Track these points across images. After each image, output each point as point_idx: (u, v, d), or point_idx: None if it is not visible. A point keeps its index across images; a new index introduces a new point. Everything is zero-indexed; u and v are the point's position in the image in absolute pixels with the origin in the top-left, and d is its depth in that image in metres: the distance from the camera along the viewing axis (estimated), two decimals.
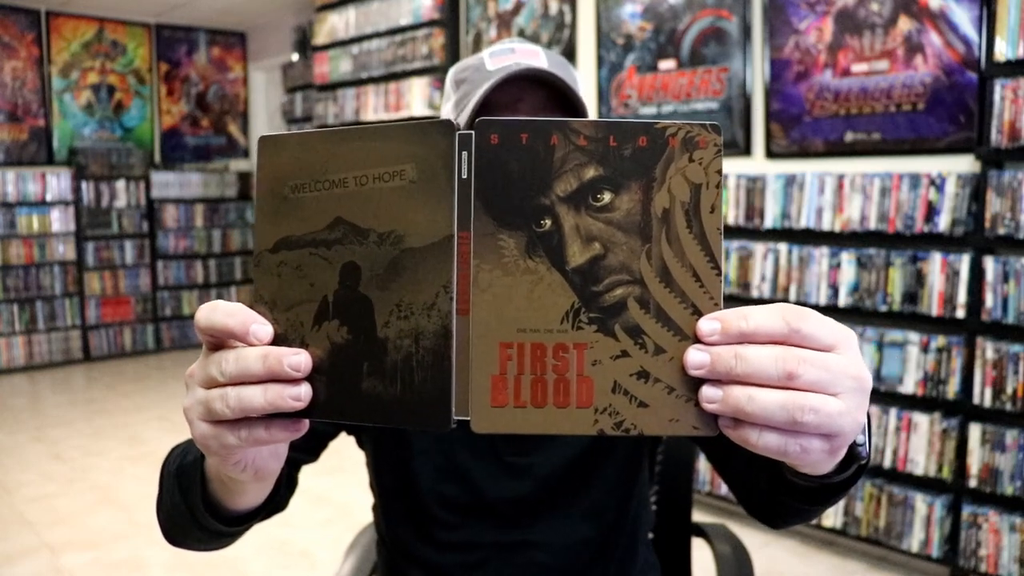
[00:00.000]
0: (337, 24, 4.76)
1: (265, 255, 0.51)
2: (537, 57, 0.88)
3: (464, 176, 0.47)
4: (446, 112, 0.93)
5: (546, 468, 0.93)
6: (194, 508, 0.67)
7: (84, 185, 5.83)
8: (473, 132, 0.46)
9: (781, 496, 0.66)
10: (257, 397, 0.47)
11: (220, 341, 0.49)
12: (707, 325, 0.44)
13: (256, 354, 0.47)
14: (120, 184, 5.99)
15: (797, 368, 0.43)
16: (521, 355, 0.46)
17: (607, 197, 0.46)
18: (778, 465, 0.62)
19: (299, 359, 0.47)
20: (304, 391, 0.47)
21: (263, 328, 0.48)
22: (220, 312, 0.49)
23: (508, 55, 0.88)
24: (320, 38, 4.89)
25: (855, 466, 0.56)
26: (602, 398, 0.46)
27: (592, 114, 3.63)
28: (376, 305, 0.48)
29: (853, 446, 0.54)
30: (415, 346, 0.47)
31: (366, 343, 0.48)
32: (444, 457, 0.93)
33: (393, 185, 0.48)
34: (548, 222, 0.46)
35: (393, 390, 0.48)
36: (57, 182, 5.73)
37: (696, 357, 0.44)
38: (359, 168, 0.49)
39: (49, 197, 5.70)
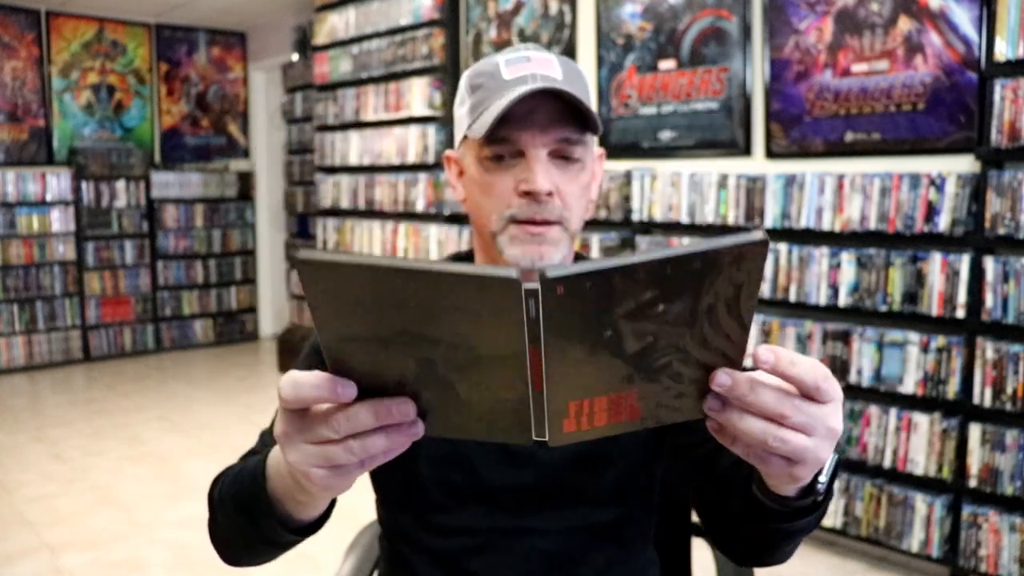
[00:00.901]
0: (337, 24, 4.76)
1: (333, 344, 0.54)
2: (551, 66, 0.89)
3: (532, 315, 0.51)
4: (460, 116, 0.93)
5: (549, 457, 0.93)
6: (269, 531, 0.74)
7: (84, 185, 5.83)
8: (539, 287, 0.50)
9: (752, 514, 0.73)
10: (381, 443, 0.55)
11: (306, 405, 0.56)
12: (765, 355, 0.54)
13: (368, 412, 0.54)
14: (120, 184, 5.99)
15: (789, 411, 0.55)
16: (587, 405, 0.56)
17: (661, 307, 0.52)
18: (750, 485, 0.72)
19: (407, 408, 0.55)
20: (420, 429, 0.56)
21: (348, 389, 0.54)
22: (305, 386, 0.55)
23: (523, 64, 0.88)
24: (320, 38, 4.89)
25: (811, 499, 0.66)
26: (648, 413, 0.57)
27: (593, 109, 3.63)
28: (457, 384, 0.55)
29: (815, 483, 0.65)
30: (497, 406, 0.56)
31: (451, 399, 0.56)
32: (446, 443, 0.93)
33: (460, 317, 0.51)
34: (609, 332, 0.52)
35: (480, 427, 0.58)
36: (57, 182, 5.73)
37: (723, 379, 0.54)
38: (422, 305, 0.51)
39: (49, 197, 5.70)
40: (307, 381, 0.55)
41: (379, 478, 1.01)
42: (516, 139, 0.86)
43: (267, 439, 0.95)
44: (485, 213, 0.91)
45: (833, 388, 0.56)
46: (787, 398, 0.55)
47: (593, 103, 0.94)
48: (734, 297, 0.52)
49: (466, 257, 1.03)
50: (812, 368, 0.55)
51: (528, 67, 0.88)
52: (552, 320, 0.51)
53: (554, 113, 0.86)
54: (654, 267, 0.50)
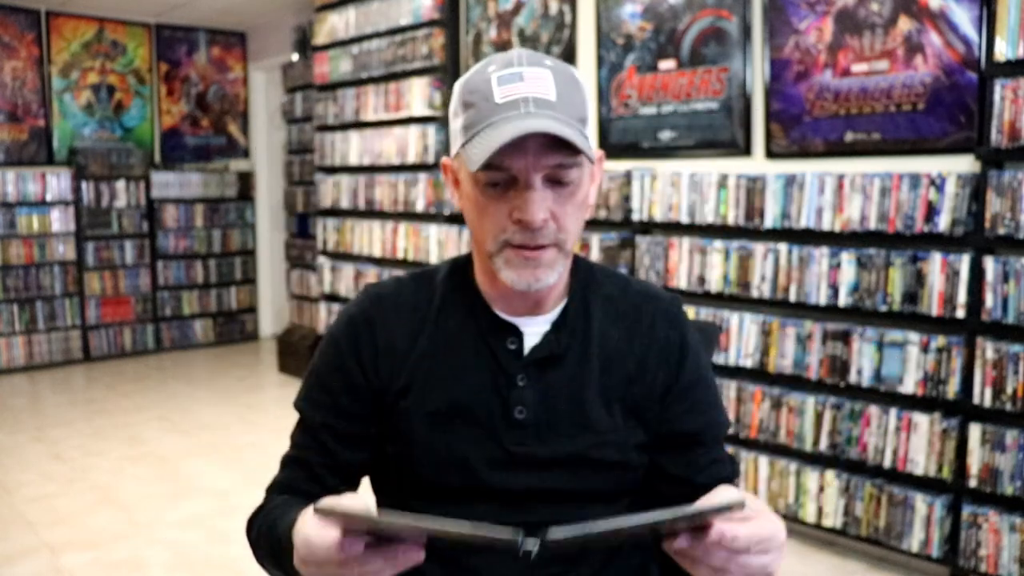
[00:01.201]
0: (337, 24, 4.76)
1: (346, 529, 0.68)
2: (545, 84, 0.87)
3: (529, 548, 0.66)
4: (455, 129, 0.92)
5: (548, 457, 0.94)
6: None
7: (84, 185, 5.83)
8: (538, 546, 0.65)
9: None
10: (390, 574, 0.72)
11: None
12: (718, 537, 0.68)
13: (379, 559, 0.69)
14: (120, 184, 5.99)
15: (732, 567, 0.70)
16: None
17: (643, 532, 0.68)
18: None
19: (415, 555, 0.71)
20: (423, 556, 0.72)
21: (357, 547, 0.68)
22: (319, 548, 0.69)
23: (516, 84, 0.86)
24: (320, 38, 4.89)
25: None
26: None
27: (592, 117, 3.61)
28: (458, 543, 0.71)
29: None
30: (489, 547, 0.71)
31: (451, 543, 0.73)
32: (445, 447, 0.94)
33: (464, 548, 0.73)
34: (596, 538, 0.69)
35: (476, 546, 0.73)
36: (57, 182, 5.73)
37: (683, 543, 0.70)
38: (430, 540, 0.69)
39: (49, 197, 5.69)
40: (320, 544, 0.68)
41: (378, 480, 1.02)
42: (509, 167, 0.85)
43: (287, 471, 1.01)
44: (481, 234, 0.91)
45: (775, 544, 0.71)
46: (733, 557, 0.69)
47: (592, 107, 0.96)
48: (708, 522, 0.68)
49: (464, 263, 1.02)
50: (758, 540, 0.70)
51: (521, 88, 0.86)
52: (547, 552, 0.67)
53: (547, 139, 0.85)
54: (643, 526, 0.64)
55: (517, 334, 0.96)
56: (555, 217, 0.88)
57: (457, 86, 0.93)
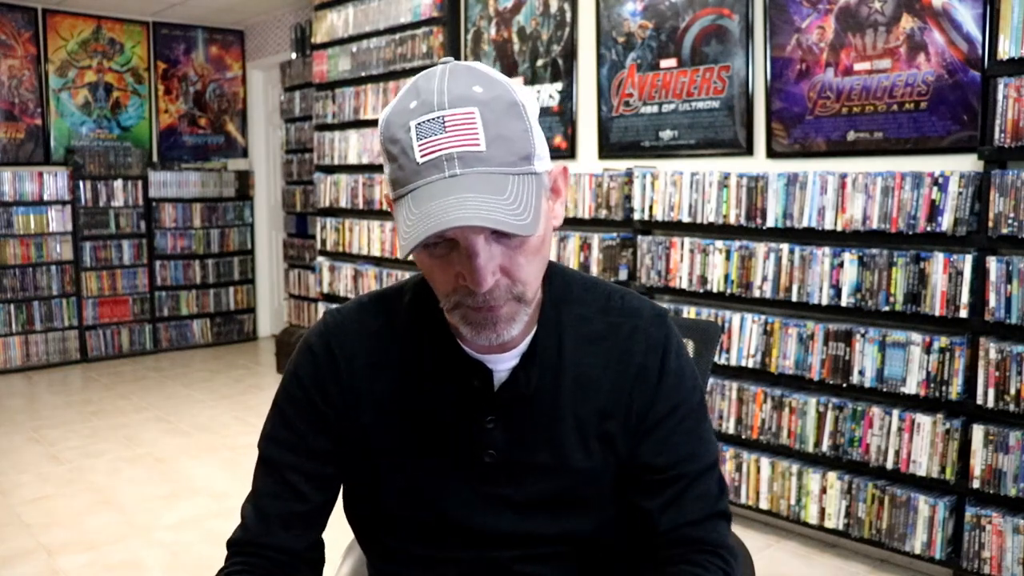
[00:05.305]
0: (336, 22, 4.74)
1: None
2: (471, 129, 0.75)
3: None
4: (385, 174, 0.81)
5: (521, 499, 0.91)
6: None
7: (81, 184, 5.81)
8: None
9: None
10: None
11: None
12: None
13: None
14: (118, 183, 5.97)
15: None
16: None
17: None
18: None
19: None
20: None
21: None
22: None
23: (437, 137, 0.75)
24: (319, 36, 4.87)
25: None
26: None
27: (591, 123, 3.56)
28: None
29: None
30: None
31: None
32: (416, 488, 0.92)
33: None
34: None
35: None
36: (54, 181, 5.70)
37: None
38: None
39: (46, 196, 5.67)
40: None
41: (354, 515, 1.00)
42: (443, 233, 0.75)
43: (250, 523, 0.94)
44: (432, 288, 0.85)
45: None
46: None
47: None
48: None
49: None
50: None
51: (442, 142, 0.75)
52: None
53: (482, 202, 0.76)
54: None
55: (485, 372, 0.89)
56: (507, 272, 0.79)
57: (380, 122, 0.81)
